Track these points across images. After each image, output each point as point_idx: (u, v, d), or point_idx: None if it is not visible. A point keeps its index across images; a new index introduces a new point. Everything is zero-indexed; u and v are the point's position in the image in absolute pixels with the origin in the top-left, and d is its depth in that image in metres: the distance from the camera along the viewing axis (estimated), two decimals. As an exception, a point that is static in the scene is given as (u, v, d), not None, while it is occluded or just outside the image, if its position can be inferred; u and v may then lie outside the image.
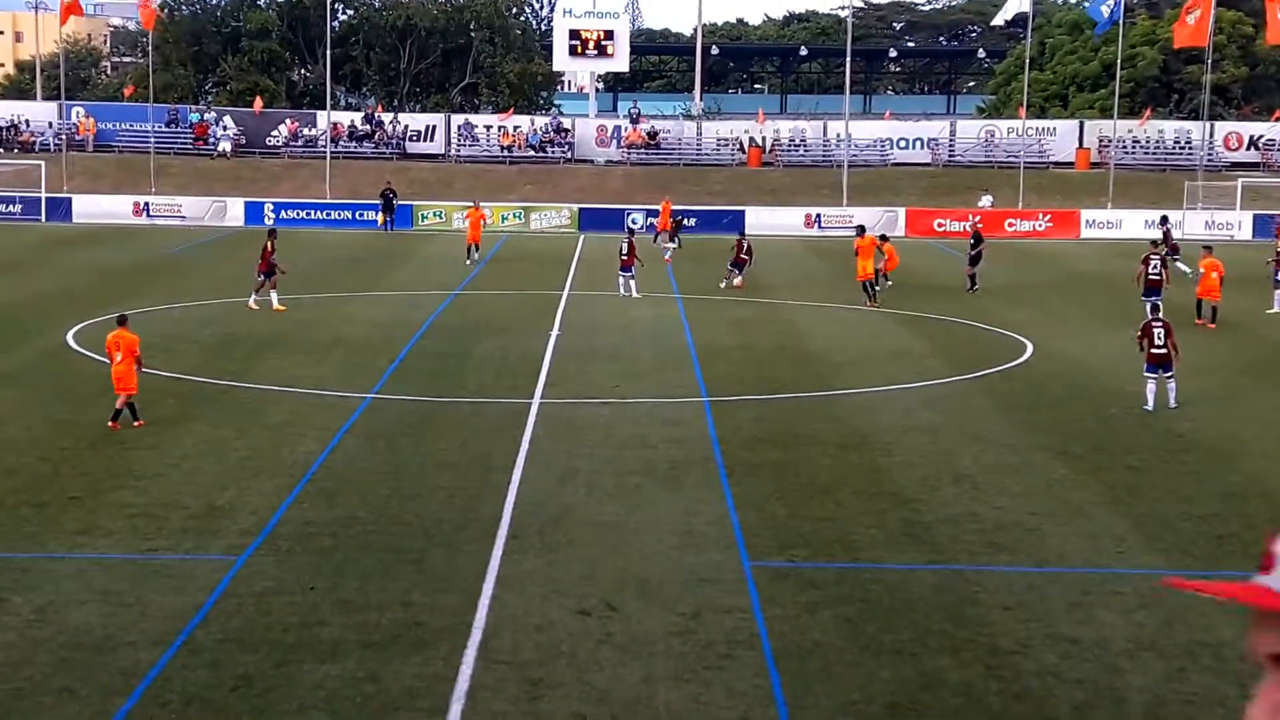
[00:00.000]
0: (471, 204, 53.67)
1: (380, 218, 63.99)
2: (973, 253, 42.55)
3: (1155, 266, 34.71)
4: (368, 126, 78.67)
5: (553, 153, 78.00)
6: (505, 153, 77.39)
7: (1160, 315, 26.33)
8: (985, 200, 68.09)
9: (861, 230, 41.38)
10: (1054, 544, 17.14)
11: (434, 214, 66.07)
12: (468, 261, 48.49)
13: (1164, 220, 51.85)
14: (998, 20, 73.46)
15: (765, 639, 13.84)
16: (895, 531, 17.62)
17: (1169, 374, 25.16)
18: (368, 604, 14.78)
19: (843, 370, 29.01)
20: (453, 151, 78.17)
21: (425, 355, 30.41)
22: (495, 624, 14.19)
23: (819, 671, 13.10)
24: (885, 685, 12.82)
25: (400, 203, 64.95)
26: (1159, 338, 25.26)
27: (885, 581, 15.73)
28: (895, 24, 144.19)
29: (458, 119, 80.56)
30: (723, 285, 42.76)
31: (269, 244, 36.65)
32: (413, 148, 78.49)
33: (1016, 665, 13.31)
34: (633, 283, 40.56)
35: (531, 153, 77.70)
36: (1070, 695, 12.62)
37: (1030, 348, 31.48)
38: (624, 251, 40.94)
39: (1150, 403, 25.00)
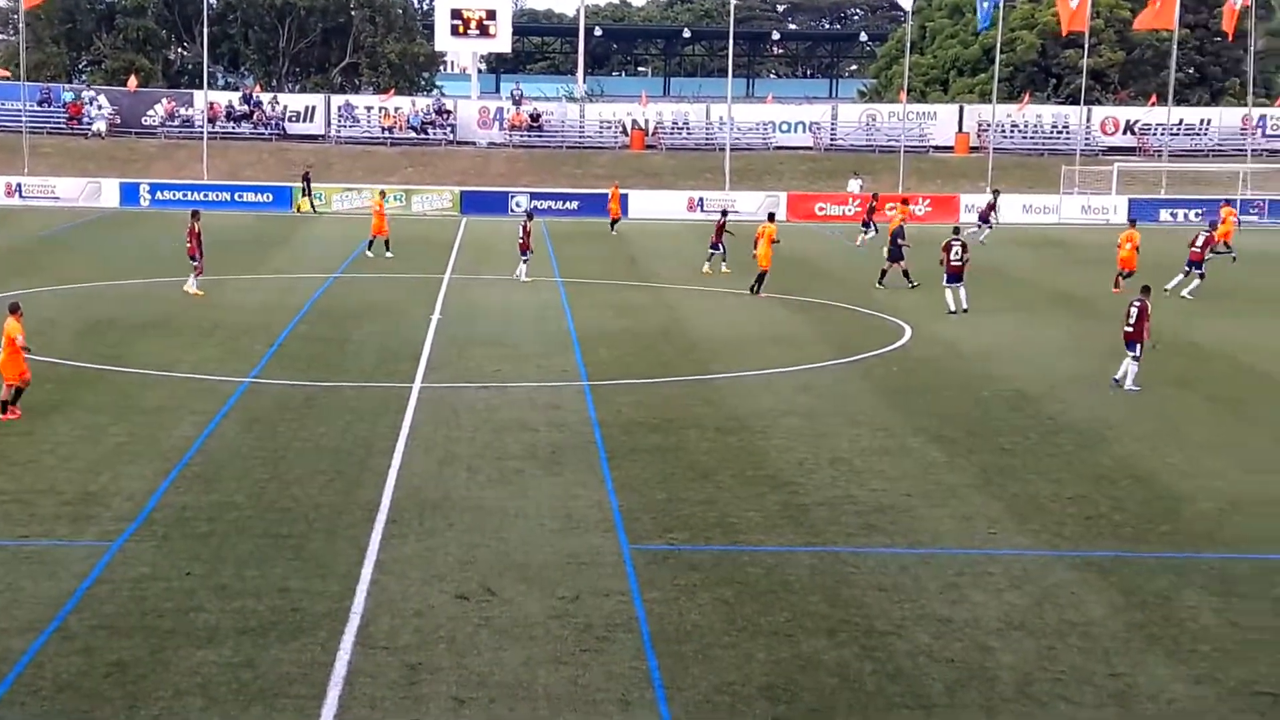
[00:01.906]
0: (378, 192, 51.90)
1: (303, 202, 63.21)
2: (893, 246, 41.27)
3: (956, 253, 34.91)
4: (246, 107, 77.50)
5: (434, 134, 77.43)
6: (386, 134, 76.68)
7: (1147, 294, 26.44)
8: (854, 184, 68.79)
9: (771, 217, 41.05)
10: (928, 526, 17.41)
11: (315, 195, 65.29)
12: (369, 254, 45.16)
13: (995, 193, 55.15)
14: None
15: (644, 622, 13.91)
16: (773, 514, 17.78)
17: (1134, 355, 25.66)
18: (245, 590, 14.63)
19: (724, 354, 29.17)
20: (333, 133, 77.29)
21: (305, 339, 30.09)
22: (374, 609, 14.11)
23: (696, 654, 13.19)
24: (762, 667, 12.95)
25: (279, 185, 64.13)
26: (1131, 315, 25.76)
27: (763, 564, 15.88)
28: (779, 6, 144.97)
29: (338, 100, 79.63)
30: (706, 269, 42.38)
31: (194, 225, 35.70)
32: (292, 128, 77.43)
33: (891, 646, 13.51)
34: (524, 266, 40.48)
35: (413, 134, 77.07)
36: (943, 674, 12.84)
37: (909, 332, 31.89)
38: (520, 234, 40.86)
39: (1129, 383, 25.60)
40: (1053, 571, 15.70)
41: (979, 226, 54.60)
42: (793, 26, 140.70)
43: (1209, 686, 12.62)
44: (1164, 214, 64.79)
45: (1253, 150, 74.13)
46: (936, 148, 77.87)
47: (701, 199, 65.95)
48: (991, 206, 56.58)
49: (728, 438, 21.76)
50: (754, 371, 27.28)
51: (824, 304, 36.85)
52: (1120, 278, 39.59)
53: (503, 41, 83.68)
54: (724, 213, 45.47)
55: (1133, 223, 43.11)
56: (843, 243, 53.54)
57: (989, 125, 75.05)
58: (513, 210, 64.85)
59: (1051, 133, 79.46)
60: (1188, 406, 24.60)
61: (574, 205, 64.70)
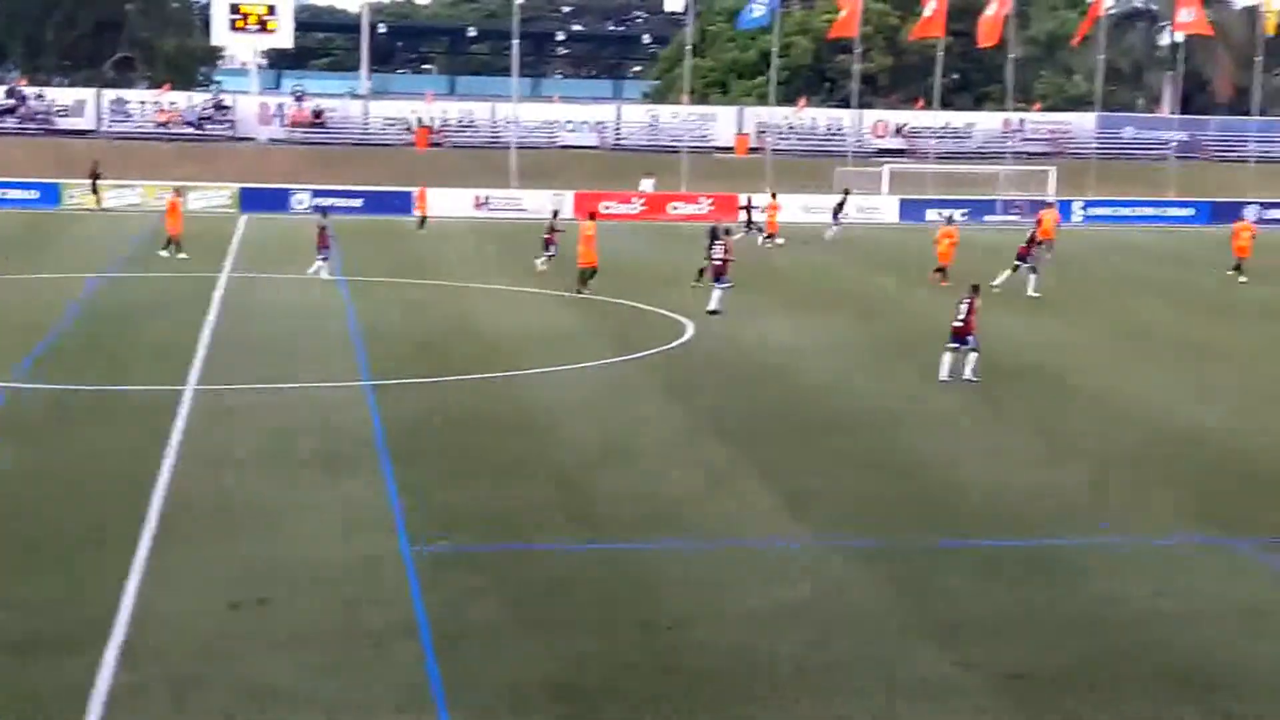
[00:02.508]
0: (172, 189, 50.25)
1: (90, 198, 61.03)
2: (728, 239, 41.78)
3: (718, 252, 35.26)
4: (11, 101, 74.62)
5: (212, 131, 75.60)
6: (161, 130, 74.57)
7: (976, 292, 27.27)
8: (647, 183, 69.37)
9: (592, 216, 40.82)
10: (710, 519, 17.60)
11: (84, 192, 63.19)
12: (163, 253, 43.96)
13: (846, 193, 58.98)
14: (670, 3, 74.85)
15: (425, 625, 13.76)
16: (558, 512, 17.79)
17: (970, 347, 26.39)
18: (5, 605, 14.04)
19: (510, 352, 29.09)
20: (104, 128, 74.86)
21: (72, 341, 29.08)
22: (141, 622, 13.66)
23: (478, 655, 13.11)
24: (545, 665, 12.93)
25: (46, 181, 61.91)
26: (961, 312, 26.46)
27: (547, 562, 15.87)
28: (564, 8, 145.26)
29: (110, 94, 77.16)
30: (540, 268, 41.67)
31: None
32: (61, 123, 74.81)
33: (672, 639, 13.62)
34: (324, 264, 39.90)
35: (190, 130, 75.13)
36: (721, 665, 13.00)
37: (690, 328, 32.24)
38: (318, 232, 40.32)
39: (945, 373, 26.24)
40: (829, 561, 16.03)
41: (833, 225, 57.16)
42: (578, 27, 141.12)
43: (972, 670, 13.01)
44: (930, 214, 66.61)
45: (1013, 152, 76.91)
46: (718, 148, 78.96)
47: (488, 197, 65.70)
48: (841, 205, 58.66)
49: (514, 436, 21.70)
50: (540, 369, 27.27)
51: (608, 301, 37.02)
52: (937, 271, 41.05)
53: (284, 37, 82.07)
54: (555, 213, 45.65)
55: (949, 220, 44.80)
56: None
57: (767, 127, 76.33)
58: (293, 208, 63.74)
59: (826, 135, 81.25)
60: (956, 400, 25.33)
61: (359, 203, 63.85)
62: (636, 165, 73.73)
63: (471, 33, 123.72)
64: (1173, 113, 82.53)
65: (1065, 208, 66.59)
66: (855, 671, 12.92)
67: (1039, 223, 47.08)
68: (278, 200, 63.95)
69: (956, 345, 26.57)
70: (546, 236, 42.50)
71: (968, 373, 26.36)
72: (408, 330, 31.79)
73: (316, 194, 64.78)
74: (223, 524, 16.88)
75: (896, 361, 29.12)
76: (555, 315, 34.68)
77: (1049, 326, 34.04)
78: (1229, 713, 12.26)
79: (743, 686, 12.58)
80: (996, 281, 38.89)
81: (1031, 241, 40.99)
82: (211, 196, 64.34)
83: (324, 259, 39.97)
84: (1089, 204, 69.85)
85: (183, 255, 43.74)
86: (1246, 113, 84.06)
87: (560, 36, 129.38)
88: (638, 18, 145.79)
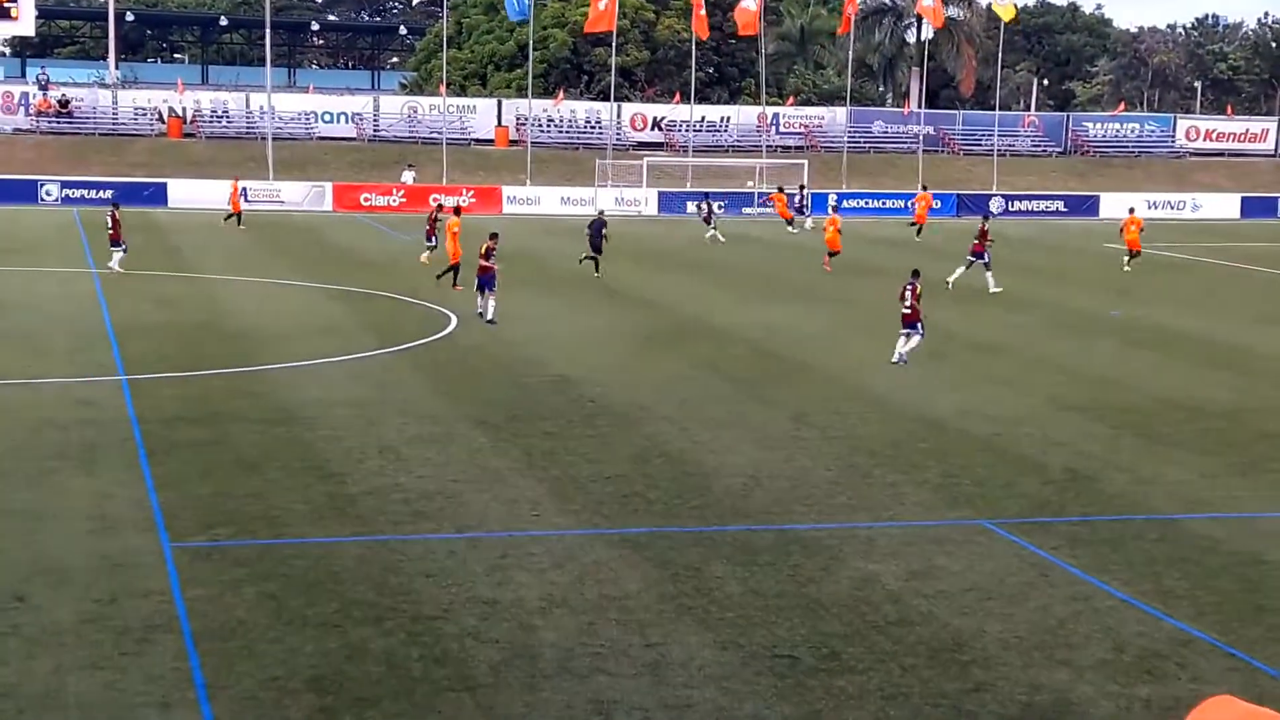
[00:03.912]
0: None
1: None
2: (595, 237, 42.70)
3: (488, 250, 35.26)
4: None
5: (-51, 118, 72.31)
6: (-107, 116, 71.07)
7: (917, 277, 28.59)
8: (408, 175, 68.93)
9: (457, 211, 40.18)
10: (474, 510, 17.70)
11: None
12: None
13: (801, 188, 63.66)
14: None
15: (185, 621, 13.56)
16: (320, 505, 17.66)
17: (917, 332, 28.01)
18: None
19: (270, 345, 28.67)
20: None
21: None
22: (-115, 626, 13.16)
23: (241, 650, 12.98)
24: (308, 659, 12.86)
25: None
26: (906, 298, 27.89)
27: (310, 555, 15.76)
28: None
29: None
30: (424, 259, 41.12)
31: None
32: None
33: (438, 630, 13.68)
34: (120, 256, 38.70)
35: (-76, 118, 71.72)
36: (488, 655, 13.11)
37: (455, 320, 32.22)
38: (109, 225, 39.25)
39: (896, 356, 28.08)
40: (593, 549, 16.28)
41: (802, 216, 61.37)
42: (332, 18, 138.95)
43: (734, 652, 13.40)
44: (690, 206, 67.71)
45: (767, 146, 78.66)
46: (478, 140, 78.83)
47: (246, 189, 64.33)
48: (801, 198, 63.72)
49: (274, 429, 21.43)
50: (301, 363, 26.95)
51: (370, 293, 36.75)
52: (829, 256, 45.01)
53: (26, 24, 78.72)
54: (440, 206, 45.16)
55: (834, 208, 48.29)
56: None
57: (526, 119, 76.56)
58: (43, 199, 61.50)
59: (586, 127, 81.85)
60: (711, 388, 25.91)
61: (108, 194, 61.89)
62: (395, 156, 73.16)
63: (223, 22, 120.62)
64: (919, 108, 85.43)
65: (820, 201, 68.57)
66: (623, 657, 13.18)
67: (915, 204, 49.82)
68: (24, 191, 61.61)
69: (908, 330, 28.18)
70: (428, 228, 42.84)
71: (896, 355, 28.11)
72: (163, 323, 31.04)
73: (64, 185, 62.63)
74: (-30, 525, 16.31)
75: (658, 351, 29.59)
76: (317, 308, 34.27)
77: (820, 318, 35.01)
78: (980, 681, 12.90)
79: (511, 675, 12.71)
80: (950, 278, 39.91)
81: (983, 236, 41.03)
82: (-51, 187, 61.64)
83: (124, 251, 38.91)
84: (841, 196, 71.90)
85: None
86: (991, 107, 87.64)
87: (315, 26, 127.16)
88: (394, 8, 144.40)
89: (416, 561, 15.65)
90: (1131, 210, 50.65)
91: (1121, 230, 48.85)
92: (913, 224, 59.58)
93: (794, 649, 13.51)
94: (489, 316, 31.93)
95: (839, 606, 14.68)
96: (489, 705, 12.10)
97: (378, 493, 18.29)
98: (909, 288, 28.20)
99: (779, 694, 12.50)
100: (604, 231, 42.40)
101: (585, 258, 42.21)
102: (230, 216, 55.32)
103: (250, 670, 12.56)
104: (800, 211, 61.28)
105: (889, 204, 72.46)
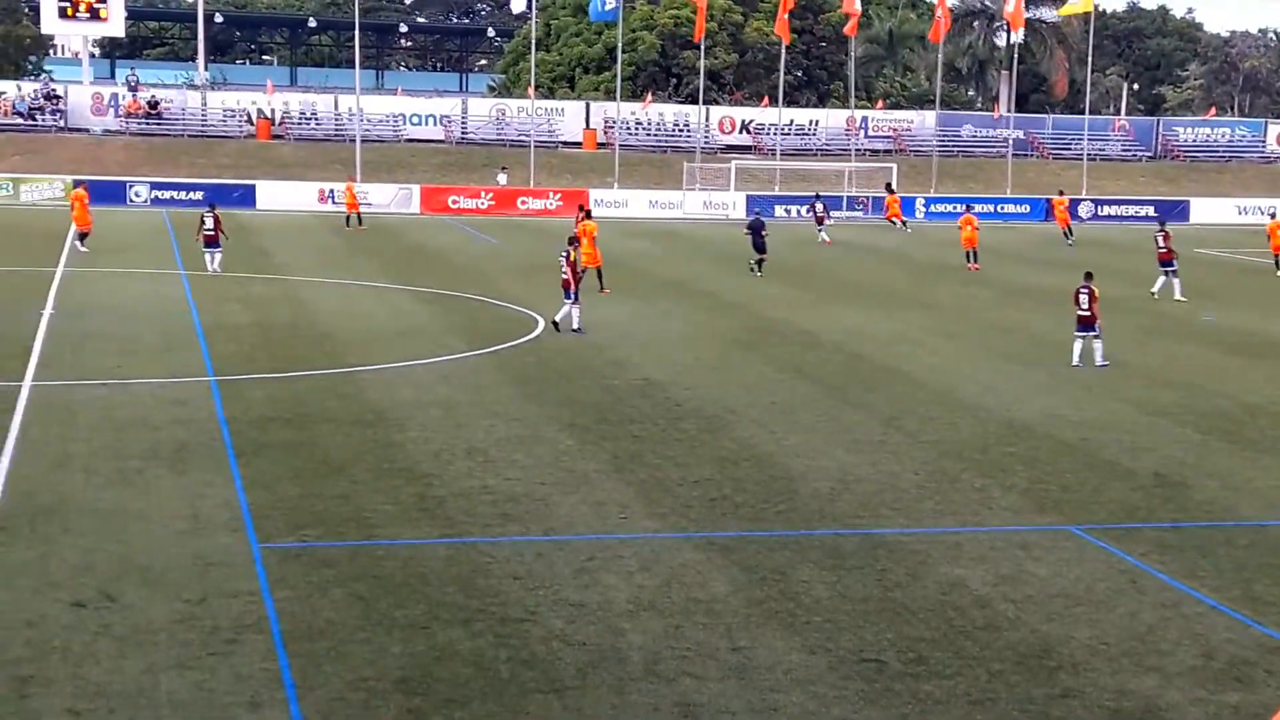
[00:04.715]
0: (74, 183, 49.17)
1: None
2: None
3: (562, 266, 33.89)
4: None
5: (44, 121, 73.57)
6: (-10, 120, 72.48)
7: (1089, 281, 28.55)
8: (501, 177, 69.30)
9: (588, 214, 39.84)
10: (562, 513, 17.67)
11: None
12: (84, 248, 43.79)
13: (888, 187, 64.62)
14: (515, 5, 74.59)
15: (274, 621, 13.62)
16: (409, 506, 17.70)
17: (1095, 334, 28.08)
18: None
19: (358, 347, 28.86)
20: (-70, 117, 72.50)
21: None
22: (-18, 622, 13.34)
23: (329, 651, 13.01)
24: (397, 660, 12.88)
25: None
26: (1085, 301, 27.91)
27: (398, 557, 15.79)
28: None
29: (-68, 82, 74.75)
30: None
31: None
32: (-118, 112, 72.34)
33: (525, 632, 13.65)
34: (216, 257, 39.34)
35: (20, 121, 73.02)
36: (575, 658, 13.06)
37: (541, 323, 32.25)
38: (208, 225, 39.86)
39: (1076, 359, 28.08)
40: (680, 552, 16.19)
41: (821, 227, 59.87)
42: (421, 20, 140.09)
43: (821, 656, 13.27)
44: (779, 210, 67.52)
45: (856, 150, 78.22)
46: (565, 143, 79.03)
47: (332, 191, 64.94)
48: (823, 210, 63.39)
49: (362, 431, 21.54)
50: (389, 364, 27.09)
51: (457, 296, 36.90)
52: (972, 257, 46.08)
53: (115, 25, 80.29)
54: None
55: (968, 208, 50.54)
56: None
57: (614, 122, 76.61)
58: (131, 201, 62.40)
59: (673, 131, 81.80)
60: (798, 390, 25.74)
61: (198, 195, 62.76)
62: (483, 159, 73.52)
63: (312, 24, 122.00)
64: (1008, 111, 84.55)
65: (909, 204, 68.19)
66: (710, 660, 13.08)
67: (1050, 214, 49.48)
68: (115, 193, 62.52)
69: (1084, 333, 28.26)
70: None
71: (1098, 358, 28.00)
72: (252, 324, 31.34)
73: (154, 186, 63.54)
74: (64, 521, 16.51)
75: (744, 354, 29.46)
76: (405, 310, 34.47)
77: (907, 321, 34.74)
78: (1068, 687, 12.69)
79: (598, 677, 12.66)
80: (1154, 288, 40.05)
81: (1166, 242, 40.67)
82: (44, 189, 62.73)
83: (218, 251, 39.62)
84: (930, 200, 71.36)
85: (84, 249, 43.74)
86: (1081, 111, 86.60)
87: (403, 29, 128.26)
88: (482, 10, 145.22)
89: (504, 563, 15.64)
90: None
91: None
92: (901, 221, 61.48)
93: (881, 653, 13.35)
94: (574, 325, 30.97)
95: (926, 611, 14.50)
96: (576, 707, 12.05)
97: (466, 494, 18.31)
98: (1085, 290, 28.19)
99: (866, 698, 12.36)
100: (764, 232, 43.45)
101: (754, 262, 42.91)
102: (351, 218, 55.79)
103: (338, 671, 12.59)
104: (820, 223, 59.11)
105: (978, 209, 71.75)
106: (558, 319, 31.16)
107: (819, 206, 57.30)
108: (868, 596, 14.91)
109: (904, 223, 61.04)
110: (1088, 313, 28.17)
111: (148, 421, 21.65)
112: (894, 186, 65.96)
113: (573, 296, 30.99)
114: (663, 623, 13.99)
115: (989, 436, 22.47)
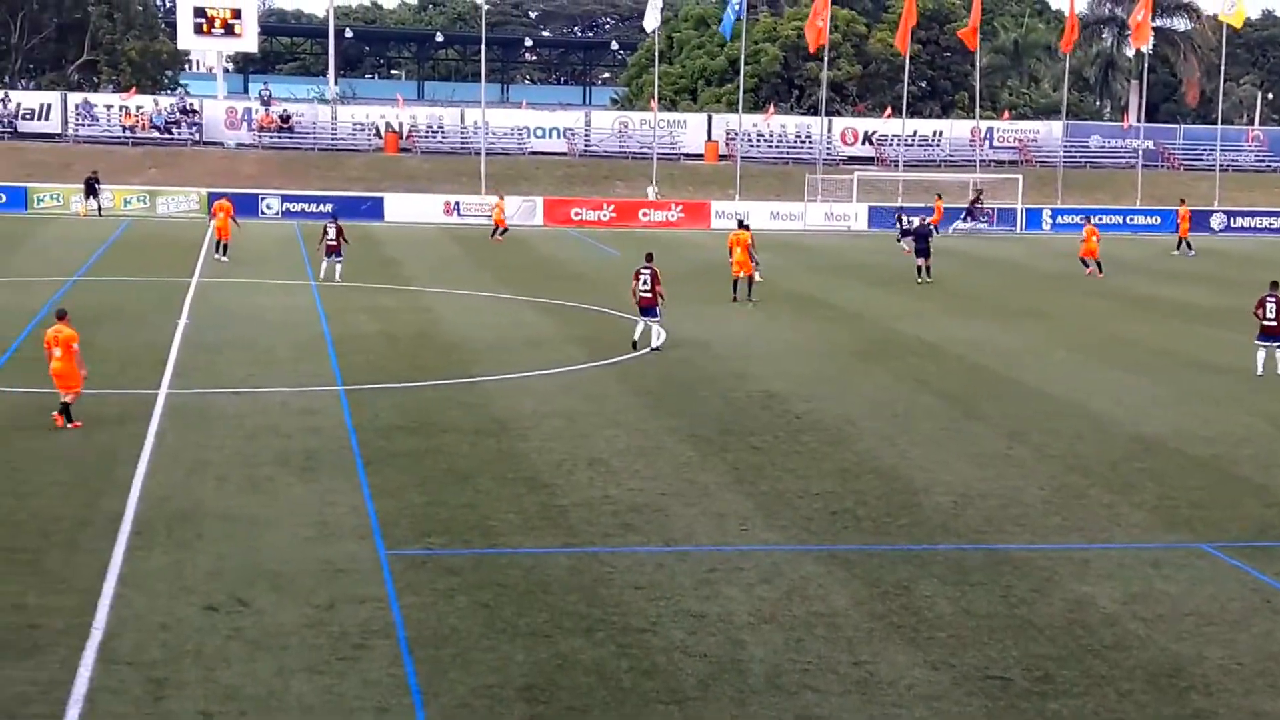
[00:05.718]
0: (223, 198, 50.40)
1: (84, 205, 60.92)
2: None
3: (645, 283, 32.48)
4: (-24, 105, 74.28)
5: (180, 134, 75.36)
6: (128, 133, 74.28)
7: (1276, 290, 28.10)
8: (651, 191, 69.63)
9: (743, 225, 40.49)
10: (682, 524, 17.71)
11: (51, 196, 63.05)
12: (223, 258, 45.17)
13: (979, 193, 64.53)
14: (648, 24, 74.82)
15: (401, 627, 13.84)
16: (532, 515, 17.86)
17: (1278, 344, 27.65)
18: (-19, 607, 14.04)
19: (481, 357, 29.17)
20: (70, 131, 74.56)
21: (42, 345, 28.94)
22: (117, 624, 13.69)
23: (454, 658, 13.18)
24: (520, 668, 13.01)
25: (12, 185, 61.73)
26: (1271, 311, 27.44)
27: (521, 565, 15.94)
28: (531, 13, 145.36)
29: (75, 97, 76.83)
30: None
31: None
32: (25, 127, 74.53)
33: (646, 642, 13.71)
34: (338, 266, 40.19)
35: (157, 134, 74.87)
36: (696, 669, 13.10)
37: (662, 335, 32.30)
38: (330, 235, 40.79)
39: (1260, 369, 27.76)
40: (801, 565, 16.16)
41: (963, 220, 63.62)
42: (545, 34, 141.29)
43: (945, 672, 13.16)
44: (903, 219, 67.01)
45: (980, 160, 77.35)
46: (687, 155, 79.18)
47: (458, 203, 65.74)
48: (974, 203, 66.04)
49: (486, 440, 21.77)
50: (512, 374, 27.34)
51: (579, 307, 37.13)
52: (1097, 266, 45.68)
53: (249, 41, 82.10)
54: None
55: (1089, 219, 49.68)
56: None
57: (736, 134, 76.63)
58: (263, 213, 63.63)
59: (795, 142, 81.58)
60: (920, 403, 25.54)
61: (327, 208, 63.82)
62: (605, 172, 73.87)
63: (439, 38, 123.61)
64: (1138, 121, 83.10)
65: (1035, 216, 67.31)
66: (831, 674, 13.05)
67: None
68: (247, 205, 63.72)
69: (1266, 342, 27.90)
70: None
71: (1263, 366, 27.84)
72: (379, 334, 31.81)
73: (285, 199, 64.75)
74: (197, 527, 16.90)
75: (865, 365, 29.30)
76: (527, 321, 34.76)
77: (1030, 333, 34.33)
78: (1199, 708, 12.46)
79: (719, 689, 12.69)
80: None
81: None
82: (180, 201, 64.20)
83: (339, 260, 40.49)
84: (1056, 212, 70.36)
85: (224, 259, 45.06)
86: (1213, 121, 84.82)
87: (528, 42, 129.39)
88: (605, 24, 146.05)
89: (625, 573, 15.72)
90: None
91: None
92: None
93: (1006, 670, 13.22)
94: (653, 344, 30.21)
95: (1053, 629, 14.32)
96: (697, 718, 12.08)
97: (588, 504, 18.43)
98: (1272, 300, 27.69)
99: (990, 715, 12.24)
100: (930, 238, 45.14)
101: (923, 267, 44.32)
102: (497, 232, 56.35)
103: (463, 678, 12.75)
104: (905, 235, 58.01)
105: (1105, 220, 70.62)
106: (636, 338, 30.41)
107: (903, 219, 57.72)
108: (992, 613, 14.76)
109: (1189, 244, 58.34)
110: (1274, 323, 27.45)
111: (278, 429, 22.08)
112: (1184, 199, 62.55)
113: (656, 314, 30.33)
114: (783, 635, 13.97)
115: (1116, 451, 22.12)
